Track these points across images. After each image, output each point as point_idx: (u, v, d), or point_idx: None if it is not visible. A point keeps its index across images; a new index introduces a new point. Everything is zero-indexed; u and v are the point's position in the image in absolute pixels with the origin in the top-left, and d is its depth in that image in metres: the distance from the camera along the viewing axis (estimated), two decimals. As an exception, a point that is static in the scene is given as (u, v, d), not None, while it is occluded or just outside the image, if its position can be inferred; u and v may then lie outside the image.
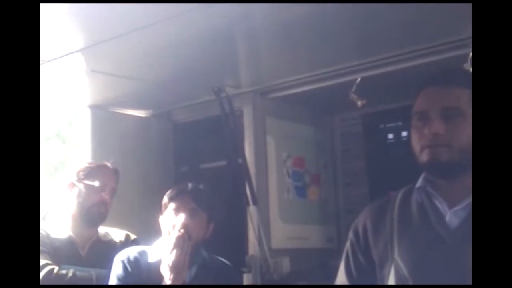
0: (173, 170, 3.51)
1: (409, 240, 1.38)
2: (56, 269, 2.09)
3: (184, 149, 3.51)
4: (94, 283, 2.10)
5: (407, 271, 1.34)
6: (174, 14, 1.99)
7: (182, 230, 2.02)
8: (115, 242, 2.32)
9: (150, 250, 2.12)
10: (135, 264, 2.04)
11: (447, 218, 1.36)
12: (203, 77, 2.79)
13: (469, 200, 1.34)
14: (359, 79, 2.65)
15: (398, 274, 1.36)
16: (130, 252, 2.09)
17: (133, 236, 2.38)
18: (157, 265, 2.04)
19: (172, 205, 2.08)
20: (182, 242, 2.00)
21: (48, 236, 2.19)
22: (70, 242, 2.21)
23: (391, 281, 1.37)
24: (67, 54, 2.35)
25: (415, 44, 2.43)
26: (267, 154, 3.10)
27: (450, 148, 1.32)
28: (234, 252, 2.97)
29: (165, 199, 2.11)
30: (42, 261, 2.07)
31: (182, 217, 2.04)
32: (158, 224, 2.13)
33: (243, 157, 2.89)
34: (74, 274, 2.09)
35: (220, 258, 2.22)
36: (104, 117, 3.22)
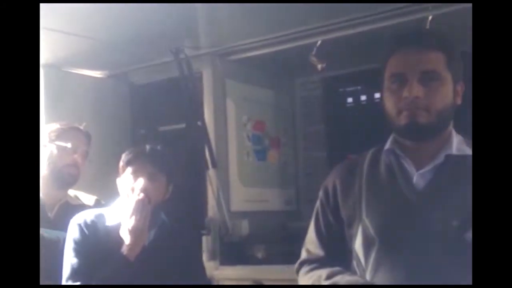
0: (130, 133, 3.45)
1: (377, 201, 1.39)
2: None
3: (142, 111, 3.45)
4: (61, 245, 2.07)
5: (374, 232, 1.36)
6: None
7: (141, 194, 1.99)
8: (84, 206, 2.29)
9: (107, 212, 2.09)
10: (92, 227, 2.01)
11: (414, 179, 1.37)
12: (161, 38, 2.72)
13: (435, 162, 1.36)
14: (319, 42, 2.64)
15: (365, 234, 1.38)
16: (87, 215, 2.06)
17: (103, 201, 2.35)
18: (115, 228, 2.02)
19: (130, 169, 2.04)
20: (141, 206, 1.98)
21: None
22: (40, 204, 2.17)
23: (359, 240, 1.39)
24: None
25: (375, 8, 2.43)
26: (227, 117, 3.08)
27: (428, 112, 1.33)
28: (194, 214, 2.97)
29: (122, 162, 2.08)
30: None
31: (141, 181, 2.01)
32: (116, 187, 2.11)
33: (203, 119, 2.86)
34: (41, 235, 2.06)
35: (179, 221, 2.21)
36: (57, 76, 3.11)
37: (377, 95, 3.14)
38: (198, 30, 2.77)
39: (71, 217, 2.15)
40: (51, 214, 2.20)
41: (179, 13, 2.41)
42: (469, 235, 1.24)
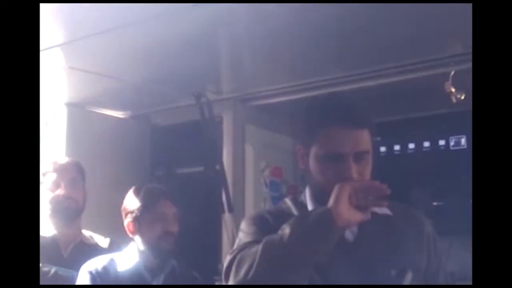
0: (148, 174, 3.46)
1: None
2: (52, 269, 2.08)
3: (161, 153, 3.46)
4: (68, 282, 2.07)
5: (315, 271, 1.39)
6: (158, 14, 1.96)
7: (171, 237, 2.03)
8: (98, 247, 2.30)
9: (119, 257, 2.08)
10: (103, 275, 2.01)
11: (345, 234, 1.45)
12: (184, 81, 2.75)
13: None
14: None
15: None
16: (98, 262, 2.06)
17: (116, 244, 2.36)
18: (126, 273, 2.01)
19: (153, 209, 2.05)
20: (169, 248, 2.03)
21: None
22: (53, 241, 2.20)
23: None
24: (45, 49, 2.30)
25: (396, 60, 2.43)
26: (245, 162, 3.07)
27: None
28: (208, 260, 2.94)
29: (141, 203, 2.07)
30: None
31: (170, 222, 2.04)
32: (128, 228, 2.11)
33: (221, 164, 2.86)
34: (56, 272, 2.08)
35: (188, 268, 2.19)
36: (81, 116, 3.16)
37: (411, 146, 3.05)
38: (221, 75, 2.81)
39: (85, 257, 2.15)
40: (65, 253, 2.20)
41: (202, 57, 2.44)
42: (406, 280, 1.40)
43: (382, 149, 3.24)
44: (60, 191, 2.22)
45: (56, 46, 2.28)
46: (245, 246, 1.41)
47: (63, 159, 2.35)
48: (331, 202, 1.34)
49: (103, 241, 2.36)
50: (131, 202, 2.09)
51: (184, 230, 2.14)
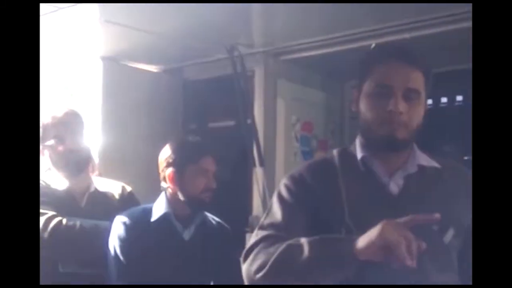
0: (181, 127, 3.51)
1: (358, 205, 1.43)
2: (64, 220, 2.10)
3: (194, 107, 3.50)
4: (101, 234, 2.12)
5: (355, 231, 1.38)
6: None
7: (209, 193, 2.06)
8: (112, 193, 2.33)
9: (150, 208, 2.13)
10: (135, 225, 2.05)
11: (389, 185, 1.46)
12: (216, 35, 2.75)
13: (408, 171, 1.47)
14: (373, 45, 2.61)
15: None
16: (131, 212, 2.10)
17: (128, 188, 2.39)
18: (157, 224, 2.06)
19: (198, 164, 2.08)
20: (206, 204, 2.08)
21: (49, 187, 2.19)
22: (68, 194, 2.21)
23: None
24: (81, 2, 2.32)
25: (431, 13, 2.39)
26: (276, 117, 3.09)
27: (406, 128, 1.43)
28: (239, 211, 3.00)
29: (187, 155, 2.10)
30: (48, 212, 2.08)
31: (211, 179, 2.07)
32: (160, 180, 2.15)
33: (252, 118, 2.88)
34: (81, 225, 2.11)
35: (216, 219, 2.23)
36: (114, 69, 3.19)
37: (429, 102, 3.06)
38: (253, 29, 2.80)
39: (101, 205, 2.20)
40: (82, 204, 2.24)
41: (235, 11, 2.44)
42: (447, 237, 1.39)
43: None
44: (62, 146, 2.19)
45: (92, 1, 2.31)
46: (268, 238, 1.43)
47: (61, 110, 2.27)
48: (363, 239, 1.28)
49: (115, 186, 2.37)
50: (175, 152, 2.08)
51: (216, 182, 2.18)
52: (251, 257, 1.42)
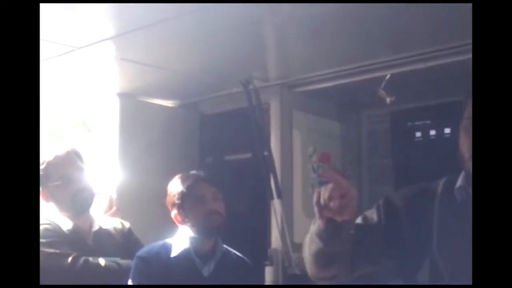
0: (198, 161, 3.52)
1: (451, 237, 1.39)
2: (90, 259, 2.09)
3: (210, 140, 3.51)
4: (123, 272, 2.11)
5: (444, 267, 1.36)
6: (206, 5, 1.99)
7: (216, 216, 2.06)
8: (114, 230, 2.33)
9: (170, 243, 2.13)
10: (156, 260, 2.05)
11: None
12: (231, 69, 2.78)
13: None
14: (388, 76, 2.62)
15: (434, 267, 1.37)
16: (151, 248, 2.10)
17: (127, 224, 2.40)
18: (177, 259, 2.06)
19: (193, 193, 2.10)
20: (217, 227, 2.06)
21: (58, 227, 2.18)
22: (75, 233, 2.20)
23: (424, 272, 1.38)
24: (97, 42, 2.37)
25: (445, 43, 2.39)
26: (293, 148, 3.08)
27: None
28: (257, 245, 2.97)
29: (181, 189, 2.12)
30: (70, 252, 2.08)
31: (212, 201, 2.08)
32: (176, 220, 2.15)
33: (269, 150, 2.88)
34: (105, 264, 2.11)
35: (238, 253, 2.22)
36: (131, 105, 3.23)
37: (447, 130, 3.07)
38: (267, 62, 2.82)
39: (107, 242, 2.19)
40: (89, 242, 2.22)
41: (249, 44, 2.46)
42: None
43: (432, 132, 3.21)
44: (69, 186, 2.18)
45: (108, 38, 2.34)
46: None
47: (62, 149, 2.26)
48: None
49: (115, 223, 2.37)
50: (172, 194, 2.14)
51: (234, 216, 2.17)
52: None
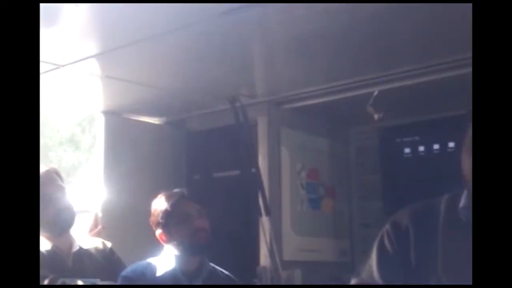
0: (185, 178, 3.49)
1: (457, 260, 1.37)
2: (67, 280, 2.05)
3: (197, 158, 3.48)
4: None
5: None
6: (191, 22, 1.98)
7: (202, 233, 2.04)
8: (95, 250, 2.29)
9: (155, 263, 2.10)
10: (141, 280, 2.03)
11: None
12: (218, 86, 2.77)
13: None
14: (376, 92, 2.62)
15: None
16: (136, 268, 2.08)
17: (108, 244, 2.36)
18: (163, 278, 2.03)
19: (177, 212, 2.08)
20: (203, 245, 2.02)
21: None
22: (54, 254, 2.16)
23: None
24: (82, 59, 2.34)
25: (434, 59, 2.40)
26: (281, 165, 3.07)
27: None
28: (246, 263, 2.94)
29: (165, 208, 2.10)
30: (47, 274, 2.02)
31: (197, 219, 2.06)
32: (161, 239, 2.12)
33: (257, 167, 2.86)
34: (83, 285, 2.07)
35: (225, 271, 2.19)
36: (117, 123, 3.21)
37: (436, 146, 3.07)
38: (254, 79, 2.81)
39: (88, 263, 2.15)
40: (69, 263, 2.18)
41: (236, 62, 2.45)
42: None
43: (421, 148, 3.21)
44: (51, 206, 2.14)
45: (93, 56, 2.32)
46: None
47: (42, 168, 2.17)
48: None
49: (96, 243, 2.33)
50: (156, 213, 2.12)
51: (221, 233, 2.15)
52: None
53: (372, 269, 1.48)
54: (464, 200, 1.45)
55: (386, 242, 1.50)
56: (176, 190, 2.19)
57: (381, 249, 1.50)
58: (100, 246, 2.32)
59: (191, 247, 2.05)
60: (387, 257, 1.48)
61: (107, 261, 2.24)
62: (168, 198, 2.12)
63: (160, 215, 2.09)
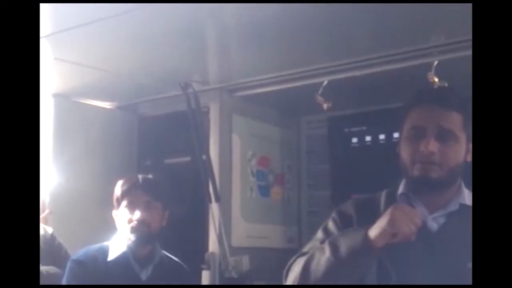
0: (136, 164, 3.47)
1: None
2: None
3: (149, 143, 3.47)
4: (43, 278, 2.05)
5: (391, 268, 1.42)
6: (144, 5, 1.97)
7: (139, 223, 2.01)
8: (45, 235, 2.28)
9: (108, 247, 2.09)
10: (92, 263, 2.01)
11: (428, 222, 1.47)
12: (170, 72, 2.76)
13: (449, 209, 1.48)
14: (325, 82, 2.67)
15: (381, 269, 1.43)
16: (87, 251, 2.06)
17: (50, 229, 2.35)
18: (116, 262, 2.02)
19: (126, 200, 2.06)
20: (140, 235, 2.00)
21: None
22: None
23: (373, 273, 1.44)
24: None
25: (382, 51, 2.46)
26: (232, 152, 3.09)
27: (440, 167, 1.43)
28: (194, 248, 2.96)
29: (117, 193, 2.09)
30: None
31: (138, 211, 2.03)
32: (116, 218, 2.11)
33: (208, 154, 2.87)
34: (47, 272, 2.05)
35: (174, 258, 2.20)
36: (66, 106, 3.16)
37: (381, 137, 3.16)
38: (207, 66, 2.81)
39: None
40: None
41: (189, 48, 2.45)
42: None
43: (368, 138, 3.29)
44: None
45: (42, 37, 2.27)
46: (301, 255, 1.51)
47: None
48: (375, 227, 1.36)
49: (41, 228, 2.33)
50: (114, 194, 2.11)
51: (171, 219, 2.15)
52: (286, 273, 1.55)
53: (316, 244, 1.53)
54: (402, 187, 1.52)
55: (331, 225, 1.56)
56: (134, 176, 2.15)
57: (326, 230, 1.56)
58: (41, 231, 2.30)
59: (134, 237, 2.04)
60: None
61: (48, 246, 2.22)
62: (123, 184, 2.10)
63: (115, 198, 2.08)
